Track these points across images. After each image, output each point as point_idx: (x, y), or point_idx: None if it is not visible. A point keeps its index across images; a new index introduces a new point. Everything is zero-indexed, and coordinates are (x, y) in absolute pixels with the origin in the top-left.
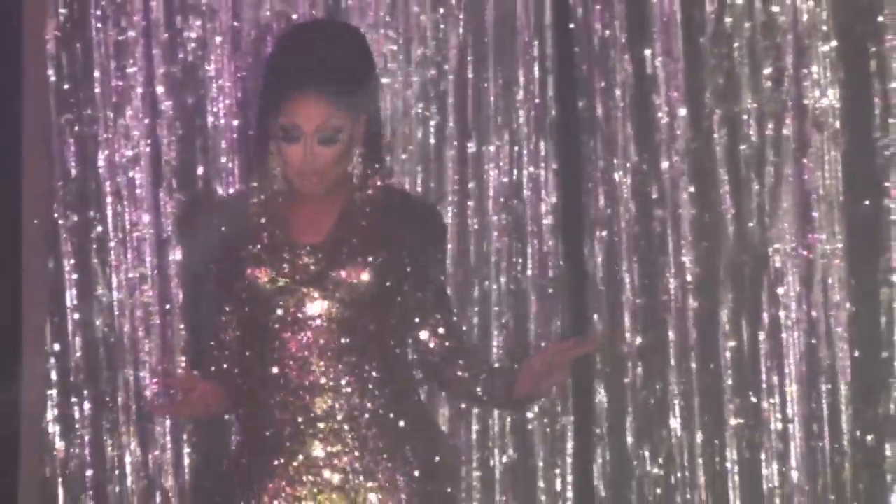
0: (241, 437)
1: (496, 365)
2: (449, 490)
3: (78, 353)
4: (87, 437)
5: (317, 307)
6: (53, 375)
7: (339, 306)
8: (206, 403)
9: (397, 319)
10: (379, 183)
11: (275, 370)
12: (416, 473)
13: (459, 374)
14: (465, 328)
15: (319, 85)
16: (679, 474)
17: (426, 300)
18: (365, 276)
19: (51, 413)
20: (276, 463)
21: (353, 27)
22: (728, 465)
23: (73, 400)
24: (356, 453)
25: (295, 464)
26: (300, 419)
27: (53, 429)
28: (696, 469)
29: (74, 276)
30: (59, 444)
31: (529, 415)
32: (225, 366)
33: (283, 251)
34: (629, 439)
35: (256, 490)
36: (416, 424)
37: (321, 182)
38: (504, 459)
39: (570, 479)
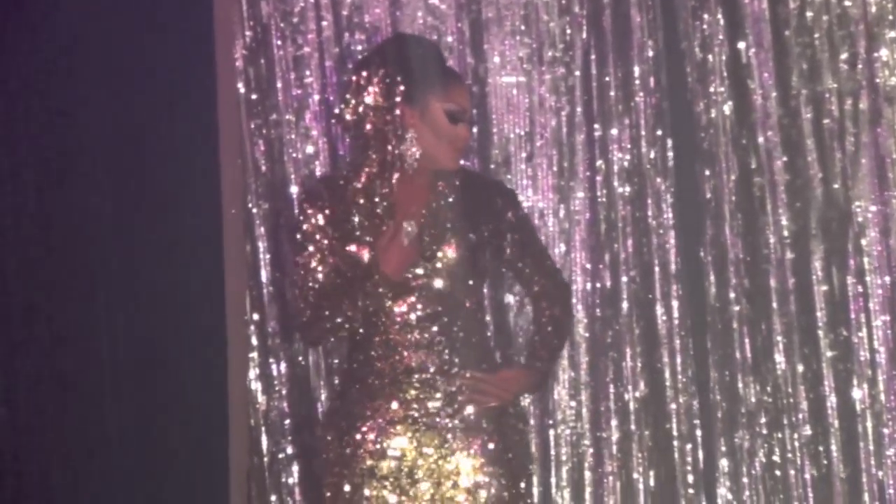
0: (343, 385)
1: (547, 331)
2: (521, 426)
3: (273, 321)
4: (284, 392)
5: (418, 278)
6: (254, 340)
7: (434, 277)
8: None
9: (477, 285)
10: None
11: (379, 332)
12: (496, 418)
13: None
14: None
15: (464, 82)
16: (784, 400)
17: (511, 259)
18: (456, 252)
19: (253, 372)
20: (375, 404)
21: None
22: (825, 390)
23: (271, 360)
24: (446, 399)
25: (393, 406)
26: (399, 370)
27: (256, 385)
28: (799, 395)
29: (268, 256)
30: (261, 399)
31: (658, 356)
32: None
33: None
34: (739, 373)
35: (358, 426)
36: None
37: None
38: (637, 394)
39: (694, 406)
